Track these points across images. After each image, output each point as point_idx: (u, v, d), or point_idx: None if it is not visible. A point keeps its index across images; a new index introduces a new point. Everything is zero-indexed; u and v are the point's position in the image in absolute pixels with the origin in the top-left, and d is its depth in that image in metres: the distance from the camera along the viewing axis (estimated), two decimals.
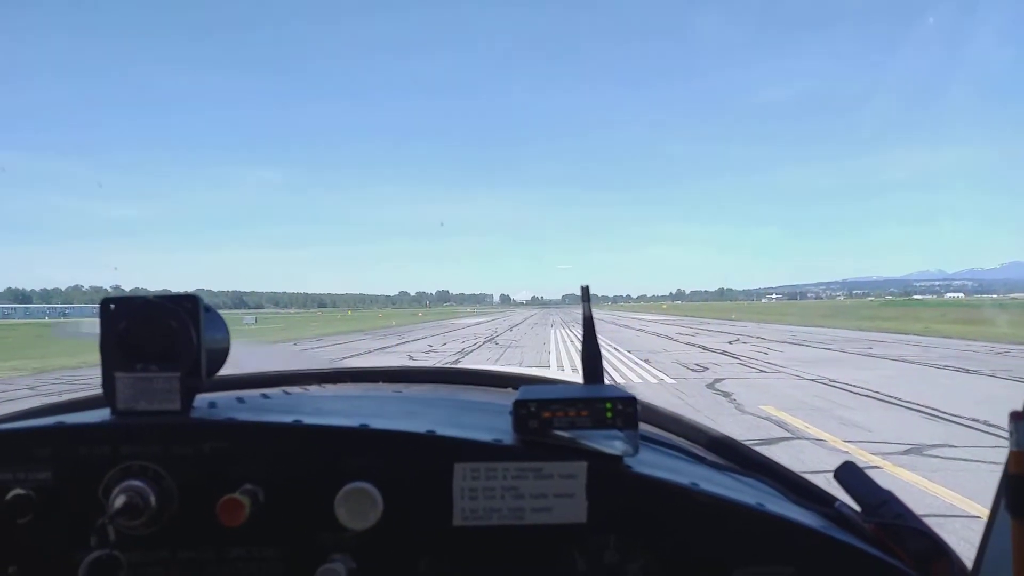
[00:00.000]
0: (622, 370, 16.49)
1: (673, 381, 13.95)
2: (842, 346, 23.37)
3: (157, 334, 0.81)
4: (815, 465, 6.31)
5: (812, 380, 13.61)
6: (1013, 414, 0.70)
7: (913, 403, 10.30)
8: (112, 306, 0.81)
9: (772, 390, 12.18)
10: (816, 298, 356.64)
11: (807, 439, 7.91)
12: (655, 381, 14.14)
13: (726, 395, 11.65)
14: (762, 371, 15.64)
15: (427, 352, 23.89)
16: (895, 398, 10.88)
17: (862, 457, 6.93)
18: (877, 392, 11.58)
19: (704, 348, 23.47)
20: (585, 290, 0.98)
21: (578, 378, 1.01)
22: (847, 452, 7.17)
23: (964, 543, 3.83)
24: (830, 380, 13.49)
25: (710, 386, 12.91)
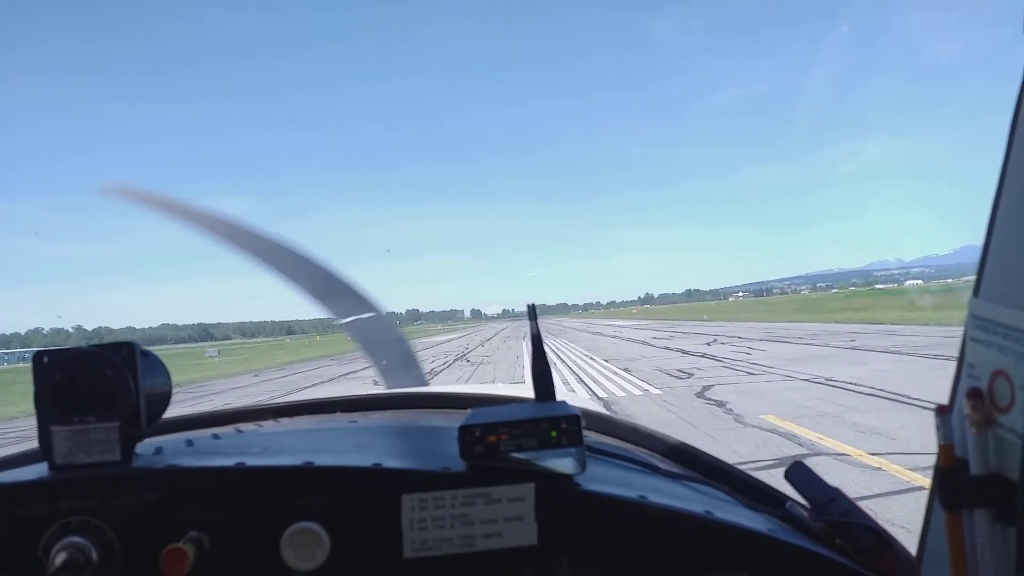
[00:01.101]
0: (602, 383, 15.42)
1: (659, 391, 12.89)
2: (824, 340, 22.69)
3: (93, 384, 0.79)
4: (848, 489, 5.26)
5: (807, 380, 12.69)
6: (938, 408, 0.70)
7: (925, 400, 9.38)
8: (45, 359, 0.80)
9: (769, 395, 11.20)
10: (781, 293, 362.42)
11: (826, 454, 6.90)
12: (639, 393, 13.06)
13: (720, 404, 10.63)
14: (750, 373, 14.70)
15: None
16: (903, 396, 9.97)
17: (899, 475, 5.91)
18: (882, 390, 10.67)
19: (683, 352, 22.56)
20: (531, 308, 0.97)
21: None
22: (879, 468, 6.17)
23: None
24: (826, 379, 12.57)
25: (700, 395, 11.88)
